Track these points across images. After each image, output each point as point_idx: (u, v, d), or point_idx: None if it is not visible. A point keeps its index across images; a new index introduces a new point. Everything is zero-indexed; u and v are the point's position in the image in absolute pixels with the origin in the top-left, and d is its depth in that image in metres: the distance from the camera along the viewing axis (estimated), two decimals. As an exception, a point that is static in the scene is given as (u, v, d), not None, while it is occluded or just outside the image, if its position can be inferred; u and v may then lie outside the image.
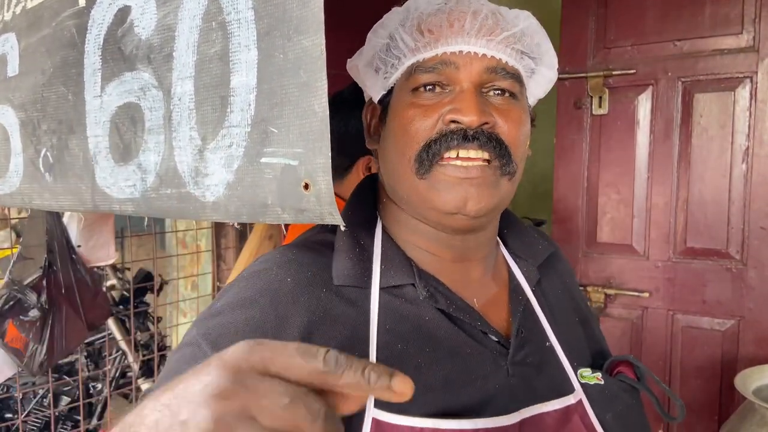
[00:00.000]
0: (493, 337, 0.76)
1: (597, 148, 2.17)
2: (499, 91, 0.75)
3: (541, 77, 0.81)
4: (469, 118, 0.70)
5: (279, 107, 0.64)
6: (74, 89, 0.85)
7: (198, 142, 0.70)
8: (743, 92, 1.94)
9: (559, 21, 2.20)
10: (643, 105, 2.09)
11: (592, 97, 2.15)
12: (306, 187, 0.62)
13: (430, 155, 0.72)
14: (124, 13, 0.78)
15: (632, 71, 2.07)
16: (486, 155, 0.72)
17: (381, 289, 0.74)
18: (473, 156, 0.71)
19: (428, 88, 0.74)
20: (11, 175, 1.02)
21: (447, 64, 0.73)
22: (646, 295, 2.10)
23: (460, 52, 0.73)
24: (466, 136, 0.71)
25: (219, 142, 0.68)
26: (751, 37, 1.92)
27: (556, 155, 2.26)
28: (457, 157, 0.71)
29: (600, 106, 2.14)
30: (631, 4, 2.08)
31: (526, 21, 0.77)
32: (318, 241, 0.79)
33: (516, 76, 0.76)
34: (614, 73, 2.10)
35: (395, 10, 0.79)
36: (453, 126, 0.72)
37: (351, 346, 0.70)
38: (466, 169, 0.71)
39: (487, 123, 0.72)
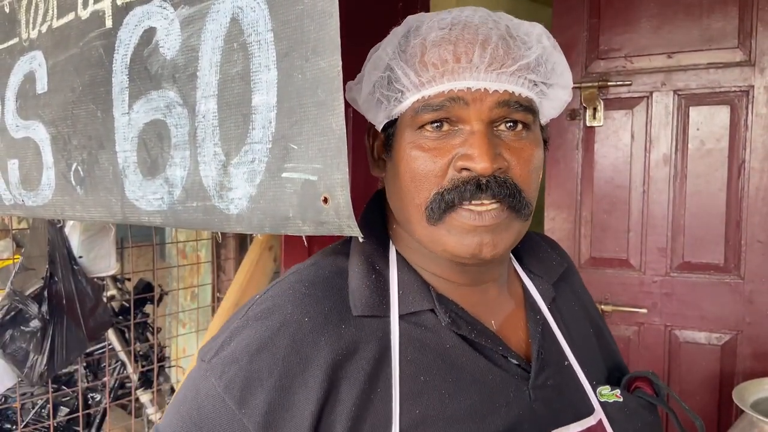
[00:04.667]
0: (514, 361, 0.74)
1: (591, 160, 2.16)
2: (511, 123, 0.70)
3: (556, 99, 0.75)
4: (482, 167, 0.66)
5: (298, 125, 0.67)
6: (103, 107, 0.88)
7: (222, 157, 0.73)
8: (740, 106, 1.97)
9: (550, 29, 2.19)
10: (639, 117, 2.09)
11: (586, 108, 2.14)
12: (325, 201, 0.64)
13: (442, 206, 0.68)
14: (149, 34, 0.81)
15: (628, 83, 2.08)
16: (499, 204, 0.69)
17: (400, 317, 0.72)
18: (486, 202, 0.68)
19: (434, 125, 0.69)
20: (44, 187, 1.05)
21: (455, 101, 0.67)
22: (644, 310, 2.09)
23: (469, 89, 0.67)
24: (479, 185, 0.67)
25: (242, 158, 0.71)
26: (747, 51, 1.94)
27: (548, 167, 2.22)
28: (470, 203, 0.68)
29: (594, 118, 2.13)
30: (624, 15, 2.08)
31: (539, 45, 0.72)
32: (330, 268, 0.75)
33: (529, 108, 0.70)
34: (609, 84, 2.10)
35: (394, 32, 0.74)
36: (465, 174, 0.67)
37: (375, 380, 0.68)
38: (480, 216, 0.68)
39: (500, 168, 0.68)
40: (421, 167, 0.69)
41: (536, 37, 0.72)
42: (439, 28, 0.70)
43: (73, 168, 0.95)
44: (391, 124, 0.74)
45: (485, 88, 0.67)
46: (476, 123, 0.67)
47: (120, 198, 0.88)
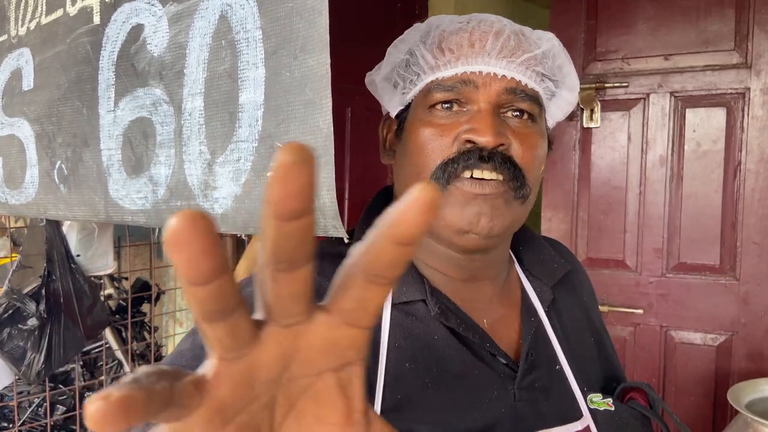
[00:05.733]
0: (502, 360, 0.74)
1: (588, 161, 2.17)
2: (518, 113, 0.73)
3: (562, 100, 0.79)
4: (485, 139, 0.69)
5: (285, 123, 0.67)
6: (89, 104, 0.88)
7: (207, 156, 0.73)
8: (736, 108, 1.97)
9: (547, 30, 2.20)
10: (636, 119, 2.10)
11: (583, 109, 2.15)
12: (311, 200, 0.64)
13: (446, 174, 0.70)
14: (137, 31, 0.81)
15: (625, 84, 2.09)
16: (500, 177, 0.71)
17: (392, 305, 0.73)
18: (487, 177, 0.70)
19: (445, 105, 0.73)
20: (27, 186, 1.04)
21: (466, 83, 0.72)
22: (640, 311, 2.10)
23: (480, 72, 0.72)
24: (482, 157, 0.69)
25: (227, 157, 0.71)
26: (743, 54, 1.95)
27: (545, 168, 2.22)
28: (471, 177, 0.70)
29: (591, 119, 2.14)
30: (622, 17, 2.09)
31: (548, 43, 0.77)
32: (332, 252, 0.74)
33: (535, 98, 0.74)
34: (606, 85, 2.11)
35: (417, 26, 0.79)
36: (469, 146, 0.70)
37: None
38: (481, 185, 0.70)
39: (502, 144, 0.71)
40: (429, 142, 0.72)
41: (547, 40, 0.77)
42: (458, 21, 0.76)
43: (56, 166, 0.94)
44: (404, 111, 0.77)
45: (494, 73, 0.72)
46: (483, 103, 0.71)
47: (103, 197, 0.87)
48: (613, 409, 0.78)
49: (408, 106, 0.77)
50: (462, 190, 0.70)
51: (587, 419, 0.76)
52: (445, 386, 0.70)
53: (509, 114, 0.73)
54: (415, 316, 0.74)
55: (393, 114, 0.79)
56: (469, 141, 0.70)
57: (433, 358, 0.72)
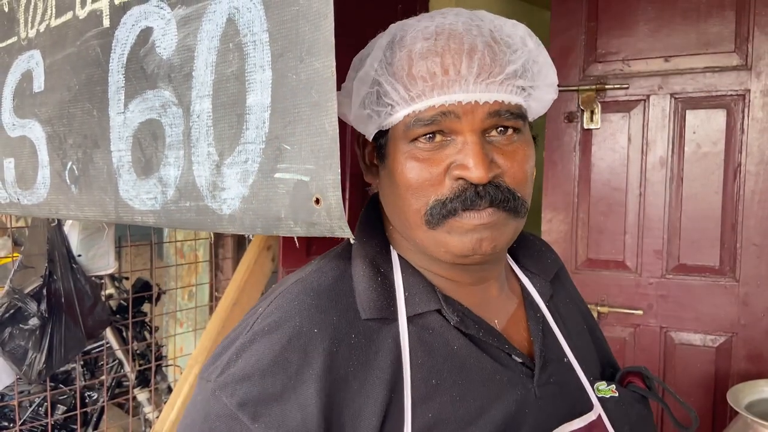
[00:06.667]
0: (518, 359, 0.75)
1: (588, 162, 2.17)
2: (502, 128, 0.70)
3: (541, 97, 0.76)
4: (478, 176, 0.67)
5: (292, 125, 0.68)
6: (99, 106, 0.89)
7: (215, 157, 0.74)
8: (736, 109, 1.98)
9: (548, 32, 2.20)
10: (636, 120, 2.10)
11: (583, 111, 2.15)
12: (317, 201, 0.65)
13: (443, 212, 0.69)
14: (146, 33, 0.82)
15: (626, 86, 2.09)
16: (495, 207, 0.69)
17: (407, 318, 0.72)
18: (481, 210, 0.69)
19: (428, 136, 0.69)
20: (39, 186, 1.05)
21: (446, 115, 0.68)
22: (639, 312, 2.10)
23: (459, 102, 0.67)
24: (478, 192, 0.68)
25: (235, 158, 0.72)
26: (744, 55, 1.95)
27: (545, 169, 2.24)
28: (469, 211, 0.69)
29: (592, 121, 2.14)
30: (622, 19, 2.09)
31: (524, 47, 0.72)
32: (334, 273, 0.74)
33: (519, 114, 0.71)
34: (607, 87, 2.11)
35: (378, 44, 0.73)
36: (462, 183, 0.68)
37: (392, 387, 0.68)
38: (479, 214, 0.69)
39: (495, 176, 0.69)
40: (417, 177, 0.69)
41: (520, 40, 0.72)
42: (424, 39, 0.69)
43: (68, 167, 0.96)
44: (383, 134, 0.74)
45: (476, 101, 0.68)
46: (469, 134, 0.68)
47: (114, 197, 0.88)
48: (617, 395, 0.80)
49: (386, 131, 0.74)
50: (461, 223, 0.69)
51: (598, 408, 0.79)
52: (472, 396, 0.70)
53: (494, 133, 0.70)
54: (431, 328, 0.73)
55: (370, 138, 0.76)
56: (461, 178, 0.68)
57: (456, 370, 0.71)
